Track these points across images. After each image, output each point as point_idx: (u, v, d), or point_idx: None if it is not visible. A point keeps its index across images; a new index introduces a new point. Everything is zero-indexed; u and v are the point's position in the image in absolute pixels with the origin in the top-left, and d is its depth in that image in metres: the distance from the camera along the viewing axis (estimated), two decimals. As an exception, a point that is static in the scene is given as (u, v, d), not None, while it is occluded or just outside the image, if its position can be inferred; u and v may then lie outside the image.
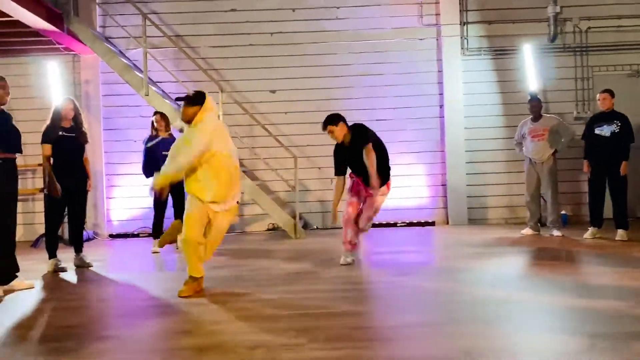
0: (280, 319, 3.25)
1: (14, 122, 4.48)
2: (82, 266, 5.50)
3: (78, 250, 5.59)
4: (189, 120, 4.01)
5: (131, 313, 3.63)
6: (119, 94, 8.32)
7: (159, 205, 6.55)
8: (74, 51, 8.15)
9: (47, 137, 5.31)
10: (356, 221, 5.11)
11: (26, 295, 4.23)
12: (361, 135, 4.96)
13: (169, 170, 3.90)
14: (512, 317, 3.15)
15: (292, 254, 5.95)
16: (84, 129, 5.55)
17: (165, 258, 6.18)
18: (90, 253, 6.60)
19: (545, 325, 3.00)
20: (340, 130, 5.03)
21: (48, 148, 5.30)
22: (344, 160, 5.11)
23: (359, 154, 4.91)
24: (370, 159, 4.83)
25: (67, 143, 5.37)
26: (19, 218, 8.19)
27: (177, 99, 3.89)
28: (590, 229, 6.46)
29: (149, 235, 7.37)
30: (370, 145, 4.88)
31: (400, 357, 2.53)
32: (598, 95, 6.51)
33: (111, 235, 8.30)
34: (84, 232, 7.89)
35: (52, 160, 5.33)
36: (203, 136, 3.88)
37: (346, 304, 3.56)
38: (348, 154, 5.05)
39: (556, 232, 6.75)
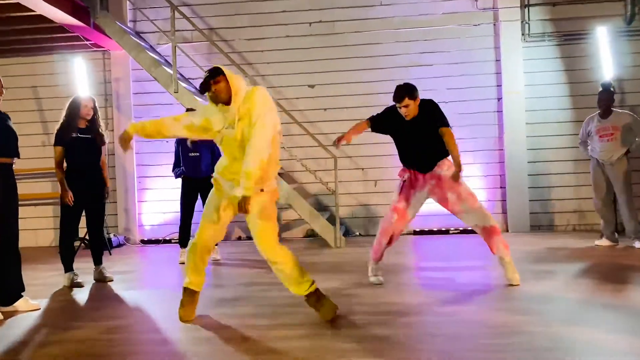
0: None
1: (10, 124, 3.98)
2: (101, 280, 5.03)
3: (97, 262, 5.11)
4: (227, 101, 3.22)
5: (119, 353, 3.06)
6: (150, 92, 7.89)
7: (187, 208, 6.04)
8: (103, 47, 7.77)
9: (59, 139, 4.84)
10: (391, 238, 4.35)
11: (26, 318, 3.75)
12: (435, 114, 4.14)
13: (252, 167, 3.11)
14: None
15: (325, 267, 5.29)
16: (100, 129, 5.06)
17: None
18: (116, 262, 6.21)
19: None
20: (415, 107, 4.15)
21: (60, 151, 4.83)
22: (395, 132, 4.28)
23: (424, 134, 4.12)
24: (453, 144, 4.06)
25: (83, 145, 4.88)
26: (51, 222, 8.02)
27: (200, 89, 3.26)
28: (681, 242, 5.49)
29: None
30: (451, 130, 4.11)
31: None
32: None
33: (143, 241, 7.89)
34: (115, 238, 7.59)
35: (65, 165, 4.88)
36: (270, 111, 3.20)
37: (339, 341, 2.89)
38: (408, 129, 4.18)
39: (638, 244, 5.81)
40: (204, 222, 3.50)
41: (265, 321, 3.47)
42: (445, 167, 4.20)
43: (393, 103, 4.21)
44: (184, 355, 2.89)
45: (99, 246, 5.15)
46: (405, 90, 4.12)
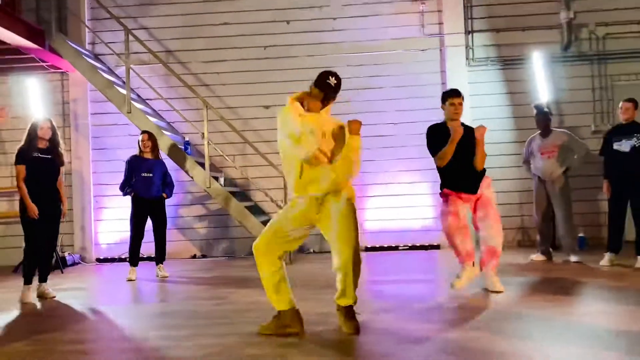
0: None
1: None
2: (43, 297, 5.13)
3: (42, 279, 5.22)
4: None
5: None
6: (108, 112, 8.02)
7: (138, 227, 6.16)
8: (61, 69, 7.91)
9: (21, 158, 5.07)
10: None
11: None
12: (471, 130, 4.48)
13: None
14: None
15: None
16: (60, 149, 5.27)
17: (142, 287, 5.74)
18: (67, 280, 6.29)
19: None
20: None
21: (22, 169, 5.05)
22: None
23: (467, 146, 4.38)
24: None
25: (42, 165, 5.12)
26: (7, 241, 8.03)
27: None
28: (607, 255, 5.80)
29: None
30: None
31: None
32: (621, 104, 5.87)
33: (98, 260, 7.95)
34: (70, 257, 7.65)
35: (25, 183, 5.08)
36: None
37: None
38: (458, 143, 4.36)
39: (573, 258, 6.09)
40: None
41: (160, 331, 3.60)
42: (484, 185, 4.57)
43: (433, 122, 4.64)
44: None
45: (48, 264, 5.32)
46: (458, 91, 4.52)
